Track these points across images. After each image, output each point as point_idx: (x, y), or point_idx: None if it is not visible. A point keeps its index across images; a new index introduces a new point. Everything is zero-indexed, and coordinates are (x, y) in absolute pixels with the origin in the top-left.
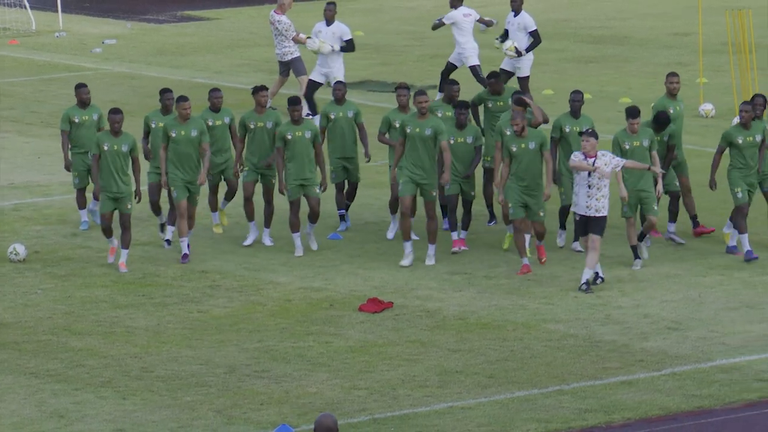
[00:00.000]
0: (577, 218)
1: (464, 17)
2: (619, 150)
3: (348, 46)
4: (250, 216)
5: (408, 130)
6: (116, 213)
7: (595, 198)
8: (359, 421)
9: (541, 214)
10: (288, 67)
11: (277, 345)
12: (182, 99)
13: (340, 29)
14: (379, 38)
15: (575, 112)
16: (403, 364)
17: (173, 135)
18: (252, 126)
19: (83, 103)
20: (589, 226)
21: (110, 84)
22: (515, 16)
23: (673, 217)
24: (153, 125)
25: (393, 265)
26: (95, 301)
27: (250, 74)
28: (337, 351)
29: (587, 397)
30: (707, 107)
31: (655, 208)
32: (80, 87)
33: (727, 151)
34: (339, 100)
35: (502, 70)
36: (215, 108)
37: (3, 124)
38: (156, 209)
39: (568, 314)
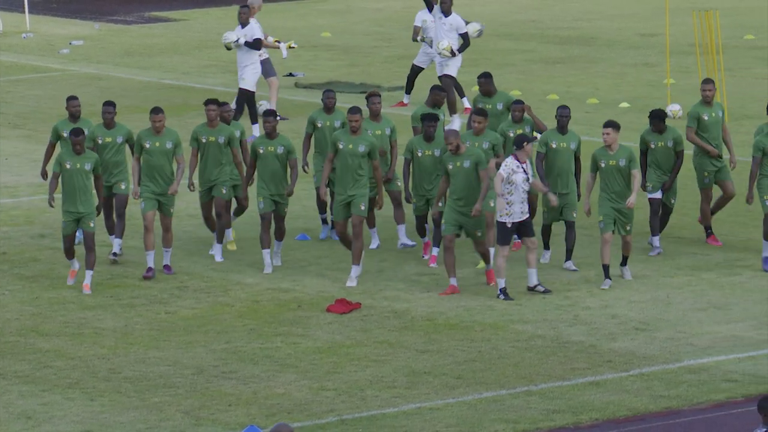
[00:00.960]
0: (509, 226)
1: (432, 23)
2: (645, 146)
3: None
4: (213, 229)
5: (340, 146)
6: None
7: (525, 202)
8: (327, 422)
9: (479, 234)
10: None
11: (245, 346)
12: (155, 111)
13: (251, 30)
14: (347, 39)
15: (562, 128)
16: (371, 365)
17: (147, 146)
18: (204, 140)
19: (73, 116)
20: (523, 230)
21: (77, 85)
22: (446, 17)
23: (655, 230)
24: (65, 134)
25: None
26: (63, 303)
27: (218, 75)
28: (305, 352)
29: (555, 398)
30: (674, 108)
31: (628, 228)
32: (70, 99)
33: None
34: (329, 108)
35: (414, 65)
36: (225, 121)
37: None
38: (210, 224)
39: (535, 315)
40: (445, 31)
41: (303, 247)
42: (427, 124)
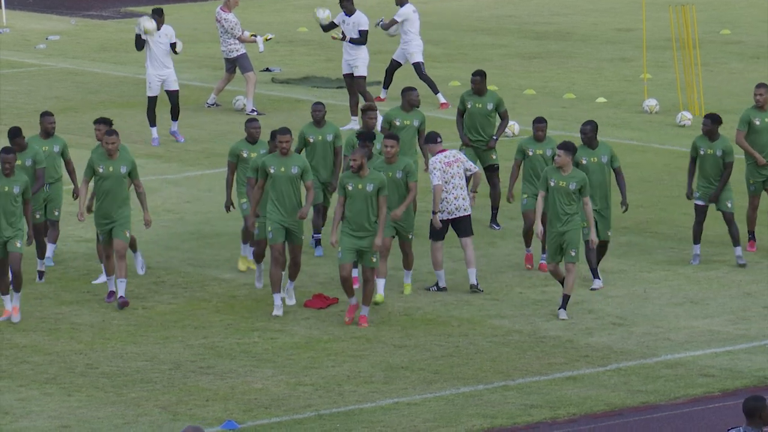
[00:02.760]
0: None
1: (414, 13)
2: (695, 152)
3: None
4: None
5: (272, 171)
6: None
7: (462, 197)
8: (305, 417)
9: (374, 260)
10: (234, 64)
11: (222, 341)
12: (109, 133)
13: (170, 31)
14: (323, 34)
15: (539, 139)
16: (349, 360)
17: (100, 170)
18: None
19: (46, 132)
20: (460, 226)
21: (54, 80)
22: (348, 16)
23: (736, 241)
24: (36, 148)
25: (337, 262)
26: (40, 298)
27: (193, 70)
28: (282, 347)
29: (532, 393)
30: (651, 103)
31: (573, 253)
32: (45, 115)
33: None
34: (318, 122)
35: (393, 60)
36: (252, 139)
37: None
38: (247, 237)
39: (512, 310)
40: (348, 30)
41: None
42: (361, 143)
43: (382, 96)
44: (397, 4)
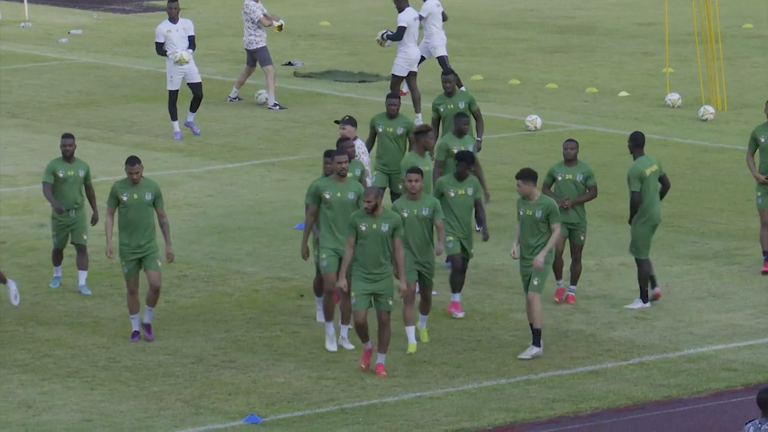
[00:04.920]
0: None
1: (437, 7)
2: (755, 144)
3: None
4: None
5: (327, 196)
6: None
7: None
8: (327, 410)
9: (390, 302)
10: (254, 57)
11: (245, 335)
12: (132, 162)
13: (187, 25)
14: (345, 28)
15: (570, 158)
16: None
17: (124, 198)
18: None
19: (65, 156)
20: None
21: (76, 74)
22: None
23: None
24: (61, 174)
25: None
26: (62, 292)
27: (216, 64)
28: (305, 341)
29: (555, 387)
30: (674, 97)
31: (536, 282)
32: (63, 137)
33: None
34: (393, 115)
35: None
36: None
37: None
38: (317, 290)
39: None
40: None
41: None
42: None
43: (404, 90)
44: (397, 9)
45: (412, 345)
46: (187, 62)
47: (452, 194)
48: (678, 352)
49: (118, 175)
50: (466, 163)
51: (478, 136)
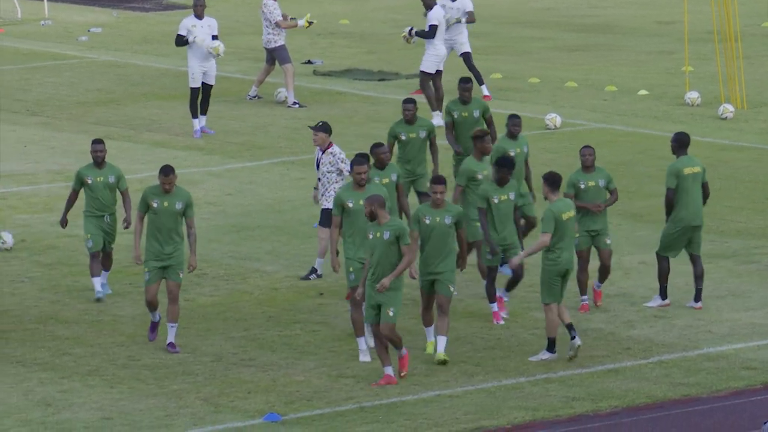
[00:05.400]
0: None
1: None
2: None
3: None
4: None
5: (350, 205)
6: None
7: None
8: (346, 409)
9: (390, 314)
10: (273, 56)
11: (264, 333)
12: (165, 173)
13: (212, 23)
14: (364, 26)
15: (588, 167)
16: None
17: (154, 205)
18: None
19: (95, 161)
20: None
21: (96, 72)
22: (428, 11)
23: None
24: (90, 181)
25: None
26: (82, 290)
27: (235, 63)
28: (324, 339)
29: (574, 385)
30: (693, 95)
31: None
32: (93, 143)
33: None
34: (410, 120)
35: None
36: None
37: None
38: (357, 328)
39: None
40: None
41: None
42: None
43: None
44: (425, 7)
45: (442, 354)
46: (220, 55)
47: (495, 200)
48: (697, 350)
49: (138, 174)
50: (507, 169)
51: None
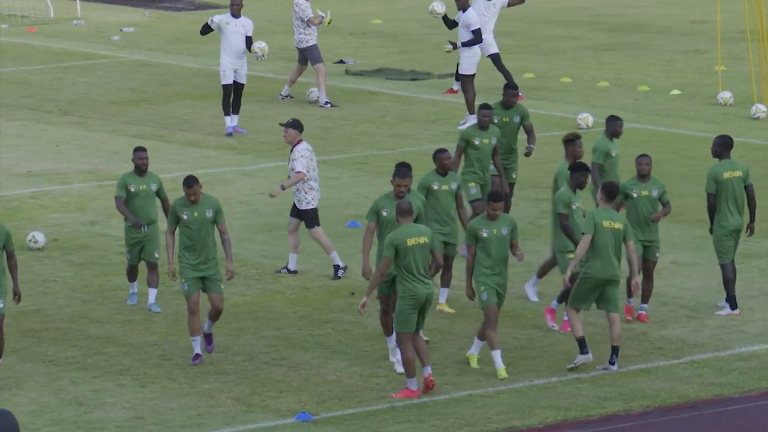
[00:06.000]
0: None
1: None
2: None
3: (247, 42)
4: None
5: (384, 214)
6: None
7: (304, 191)
8: (378, 408)
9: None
10: (305, 55)
11: (296, 333)
12: (189, 184)
13: (247, 24)
14: (396, 26)
15: (643, 176)
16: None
17: (184, 217)
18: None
19: (139, 169)
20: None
21: (128, 72)
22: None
23: None
24: (132, 189)
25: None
26: (114, 289)
27: (267, 62)
28: (356, 339)
29: (606, 385)
30: (726, 95)
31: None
32: (136, 151)
33: None
34: (484, 126)
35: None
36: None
37: (21, 112)
38: (386, 329)
39: None
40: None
41: (353, 234)
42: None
43: (455, 88)
44: (459, 8)
45: (502, 370)
46: (265, 56)
47: (573, 207)
48: (729, 350)
49: (170, 173)
50: (584, 173)
51: (530, 143)
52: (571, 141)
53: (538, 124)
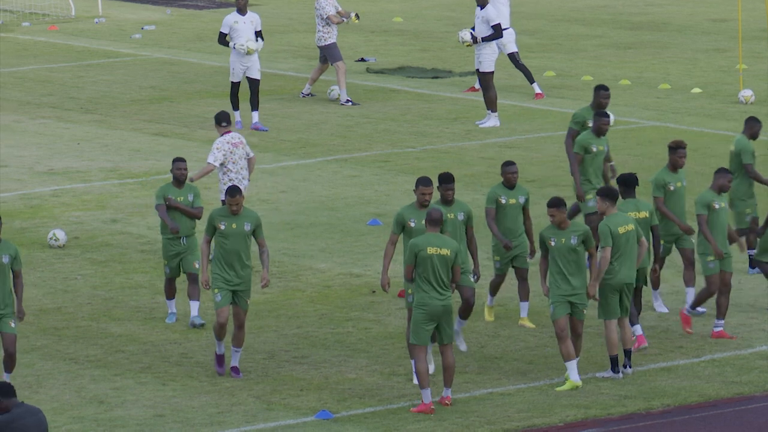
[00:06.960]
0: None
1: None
2: None
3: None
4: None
5: (412, 225)
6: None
7: (245, 178)
8: (399, 407)
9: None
10: (325, 53)
11: (316, 331)
12: (231, 193)
13: (255, 18)
14: (418, 24)
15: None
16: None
17: (222, 227)
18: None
19: (177, 180)
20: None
21: (149, 70)
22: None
23: None
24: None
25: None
26: (135, 287)
27: (288, 60)
28: (377, 337)
29: (627, 384)
30: (747, 93)
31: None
32: (175, 161)
33: None
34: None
35: None
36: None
37: (42, 110)
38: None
39: None
40: (477, 24)
41: (374, 233)
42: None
43: (476, 87)
44: (479, 5)
45: (572, 382)
46: (255, 50)
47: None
48: (750, 349)
49: (190, 171)
50: (630, 185)
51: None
52: (674, 149)
53: (559, 123)
